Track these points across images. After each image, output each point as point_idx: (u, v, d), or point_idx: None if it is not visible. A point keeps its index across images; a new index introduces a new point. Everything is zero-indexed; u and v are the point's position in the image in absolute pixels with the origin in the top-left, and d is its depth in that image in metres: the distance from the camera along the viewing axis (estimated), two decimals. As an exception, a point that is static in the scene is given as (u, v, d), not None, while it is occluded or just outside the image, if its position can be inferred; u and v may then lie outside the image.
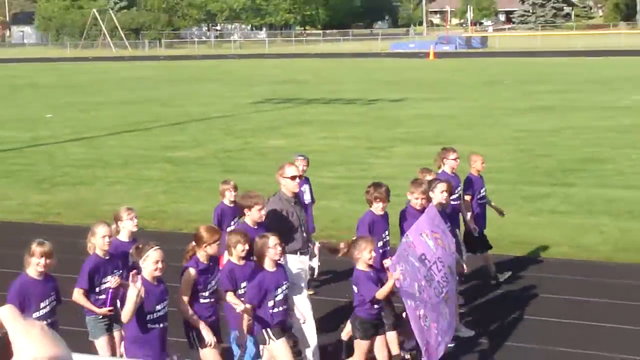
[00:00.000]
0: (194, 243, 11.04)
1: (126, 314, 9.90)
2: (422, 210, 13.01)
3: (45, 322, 10.17)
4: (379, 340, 11.57)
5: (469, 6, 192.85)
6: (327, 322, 14.22)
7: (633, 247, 19.65)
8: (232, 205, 15.54)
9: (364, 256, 11.46)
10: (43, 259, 10.24)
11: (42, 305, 10.23)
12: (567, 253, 19.23)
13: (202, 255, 10.84)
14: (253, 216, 12.69)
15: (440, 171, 16.22)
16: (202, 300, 10.84)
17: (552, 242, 20.16)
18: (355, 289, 11.63)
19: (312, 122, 43.67)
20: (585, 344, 13.87)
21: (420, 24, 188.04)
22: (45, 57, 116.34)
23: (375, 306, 11.47)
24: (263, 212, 12.75)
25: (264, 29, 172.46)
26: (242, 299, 11.15)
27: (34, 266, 10.24)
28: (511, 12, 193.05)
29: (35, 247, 10.27)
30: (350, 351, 12.28)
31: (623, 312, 15.57)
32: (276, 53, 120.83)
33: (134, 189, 27.59)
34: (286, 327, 11.46)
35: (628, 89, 57.15)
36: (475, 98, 53.66)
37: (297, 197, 14.22)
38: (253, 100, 54.75)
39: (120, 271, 11.72)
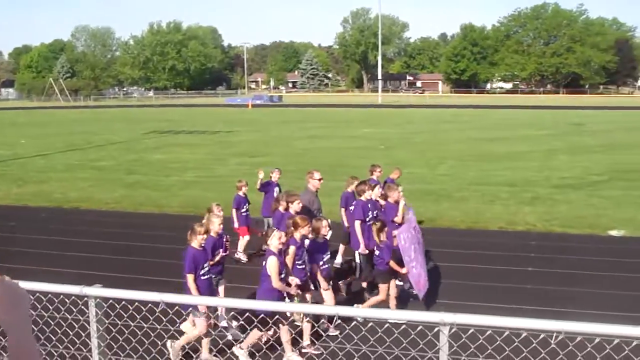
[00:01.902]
0: (292, 227, 10.11)
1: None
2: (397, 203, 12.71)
3: (209, 276, 9.42)
4: (391, 283, 11.12)
5: (271, 78, 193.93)
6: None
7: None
8: (244, 196, 14.91)
9: (382, 233, 11.18)
10: (204, 235, 9.52)
11: (204, 265, 9.40)
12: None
13: (297, 235, 9.98)
14: (295, 207, 11.97)
15: (370, 178, 15.38)
16: (298, 267, 10.01)
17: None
18: (377, 252, 11.13)
19: (181, 144, 43.13)
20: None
21: (244, 87, 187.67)
22: (21, 107, 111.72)
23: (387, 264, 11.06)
24: (300, 204, 12.09)
25: (152, 90, 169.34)
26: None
27: (199, 240, 9.40)
28: (295, 81, 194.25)
29: (198, 228, 9.48)
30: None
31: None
32: (159, 104, 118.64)
33: (74, 184, 26.79)
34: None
35: (360, 126, 58.39)
36: (275, 130, 53.87)
37: (317, 191, 13.74)
38: (145, 131, 53.75)
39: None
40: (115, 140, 46.37)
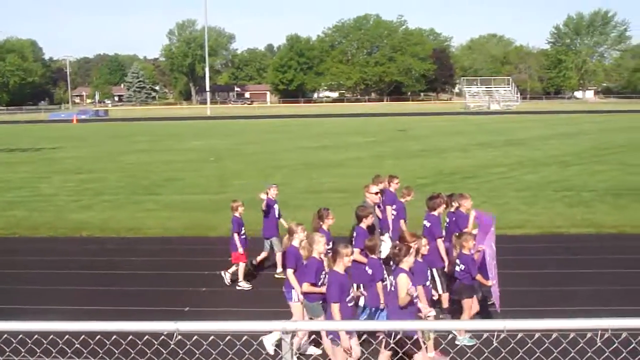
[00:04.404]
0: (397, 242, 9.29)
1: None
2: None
3: (353, 303, 8.39)
4: (474, 298, 10.26)
5: (96, 92, 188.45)
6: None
7: (195, 227, 19.92)
8: (240, 217, 13.66)
9: (469, 245, 10.30)
10: (350, 257, 8.50)
11: (349, 291, 8.36)
12: (157, 233, 19.16)
13: None
14: (368, 222, 11.26)
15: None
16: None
17: (149, 226, 20.06)
18: (462, 267, 10.24)
19: (1, 163, 40.81)
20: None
21: (67, 102, 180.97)
22: None
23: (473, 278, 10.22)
24: (373, 219, 11.37)
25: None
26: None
27: (345, 264, 8.39)
28: (121, 95, 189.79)
29: (344, 250, 8.40)
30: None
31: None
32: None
33: None
34: None
35: (190, 138, 57.86)
36: (102, 146, 52.11)
37: (377, 205, 12.90)
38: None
39: None
40: None
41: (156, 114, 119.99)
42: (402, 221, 13.72)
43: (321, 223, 11.39)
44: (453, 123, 75.65)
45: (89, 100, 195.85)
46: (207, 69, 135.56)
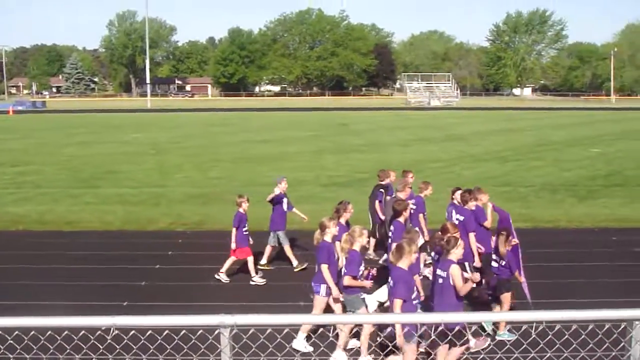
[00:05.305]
0: (439, 233, 9.31)
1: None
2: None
3: (418, 301, 8.31)
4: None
5: (33, 83, 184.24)
6: None
7: (134, 221, 19.71)
8: (245, 213, 13.44)
9: (510, 242, 10.26)
10: (416, 254, 8.39)
11: (414, 288, 8.27)
12: (95, 227, 18.92)
13: None
14: (406, 215, 11.29)
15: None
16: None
17: (87, 219, 19.79)
18: (503, 262, 10.22)
19: None
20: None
21: (3, 92, 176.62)
22: None
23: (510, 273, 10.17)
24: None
25: None
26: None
27: (412, 260, 8.20)
28: (60, 86, 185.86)
29: (409, 246, 8.21)
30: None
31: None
32: None
33: None
34: None
35: (129, 131, 56.95)
36: (40, 138, 50.97)
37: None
38: None
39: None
40: None
41: (95, 105, 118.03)
42: (421, 215, 13.69)
43: (339, 216, 11.56)
44: (394, 118, 76.22)
45: (25, 91, 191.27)
46: (147, 61, 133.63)
